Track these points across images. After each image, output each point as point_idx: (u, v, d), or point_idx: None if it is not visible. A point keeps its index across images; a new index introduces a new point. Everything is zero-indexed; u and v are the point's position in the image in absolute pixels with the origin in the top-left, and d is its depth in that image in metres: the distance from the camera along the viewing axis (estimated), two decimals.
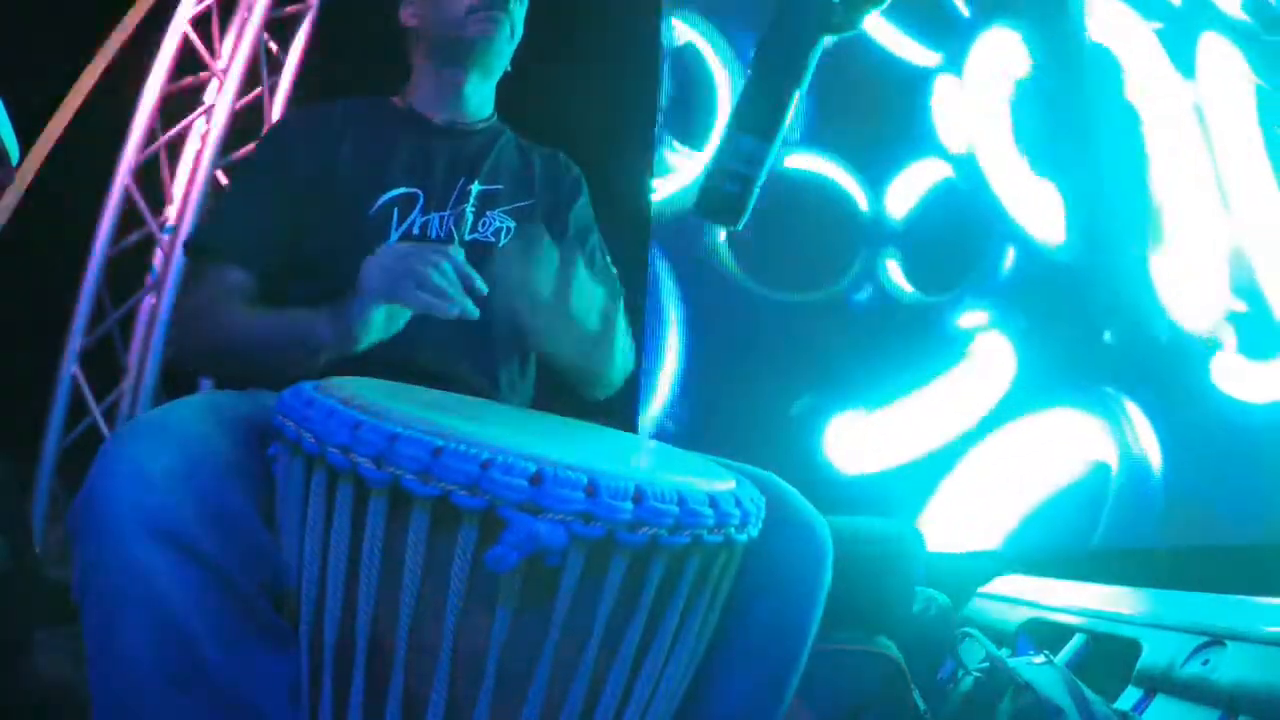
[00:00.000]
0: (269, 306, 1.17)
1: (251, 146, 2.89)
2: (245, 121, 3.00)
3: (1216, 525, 3.18)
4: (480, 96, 1.37)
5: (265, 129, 2.99)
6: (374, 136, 1.29)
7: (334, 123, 1.29)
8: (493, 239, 1.29)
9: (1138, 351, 3.25)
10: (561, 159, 1.45)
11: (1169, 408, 3.22)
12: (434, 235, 1.24)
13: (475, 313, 1.03)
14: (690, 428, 2.74)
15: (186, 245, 1.26)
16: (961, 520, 2.96)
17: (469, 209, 1.28)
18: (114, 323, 2.85)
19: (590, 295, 1.09)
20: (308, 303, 1.13)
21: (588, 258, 1.38)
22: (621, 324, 1.29)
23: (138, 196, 2.83)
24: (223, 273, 1.18)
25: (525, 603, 0.75)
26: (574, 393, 1.32)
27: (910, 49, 3.21)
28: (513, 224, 1.31)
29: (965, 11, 3.30)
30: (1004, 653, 1.79)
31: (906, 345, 3.04)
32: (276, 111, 3.09)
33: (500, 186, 1.32)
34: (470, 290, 1.03)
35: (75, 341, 2.74)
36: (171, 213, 2.89)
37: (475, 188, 1.30)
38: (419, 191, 1.25)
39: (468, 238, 1.26)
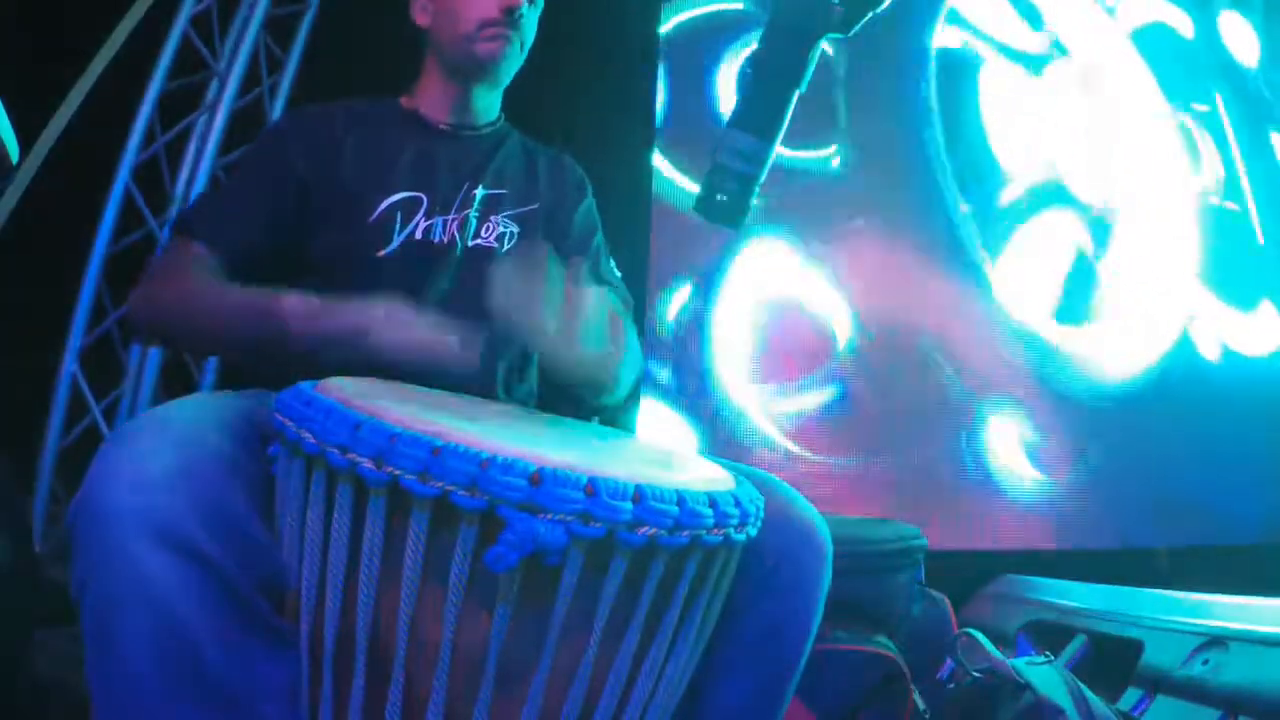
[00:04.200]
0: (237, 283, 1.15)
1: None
2: (245, 121, 3.00)
3: (1217, 525, 3.18)
4: (487, 102, 1.36)
5: (264, 127, 2.99)
6: (378, 138, 1.28)
7: (336, 123, 1.29)
8: (495, 244, 1.29)
9: None
10: (567, 161, 1.44)
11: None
12: (437, 239, 1.24)
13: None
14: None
15: (172, 222, 1.25)
16: None
17: (473, 214, 1.28)
18: (114, 323, 2.85)
19: (598, 308, 1.07)
20: None
21: (591, 261, 1.38)
22: (628, 328, 1.29)
23: (138, 196, 2.83)
24: (193, 249, 1.17)
25: (525, 602, 0.75)
26: (575, 393, 1.31)
27: None
28: (516, 229, 1.31)
29: None
30: (1004, 653, 1.79)
31: None
32: (276, 111, 3.09)
33: (504, 191, 1.32)
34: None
35: (75, 341, 2.74)
36: (172, 213, 2.89)
37: (479, 192, 1.30)
38: (422, 195, 1.25)
39: (470, 243, 1.26)
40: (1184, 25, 3.57)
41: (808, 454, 2.89)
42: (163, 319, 1.17)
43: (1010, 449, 3.06)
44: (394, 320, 1.02)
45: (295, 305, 1.04)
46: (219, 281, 1.14)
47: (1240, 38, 3.63)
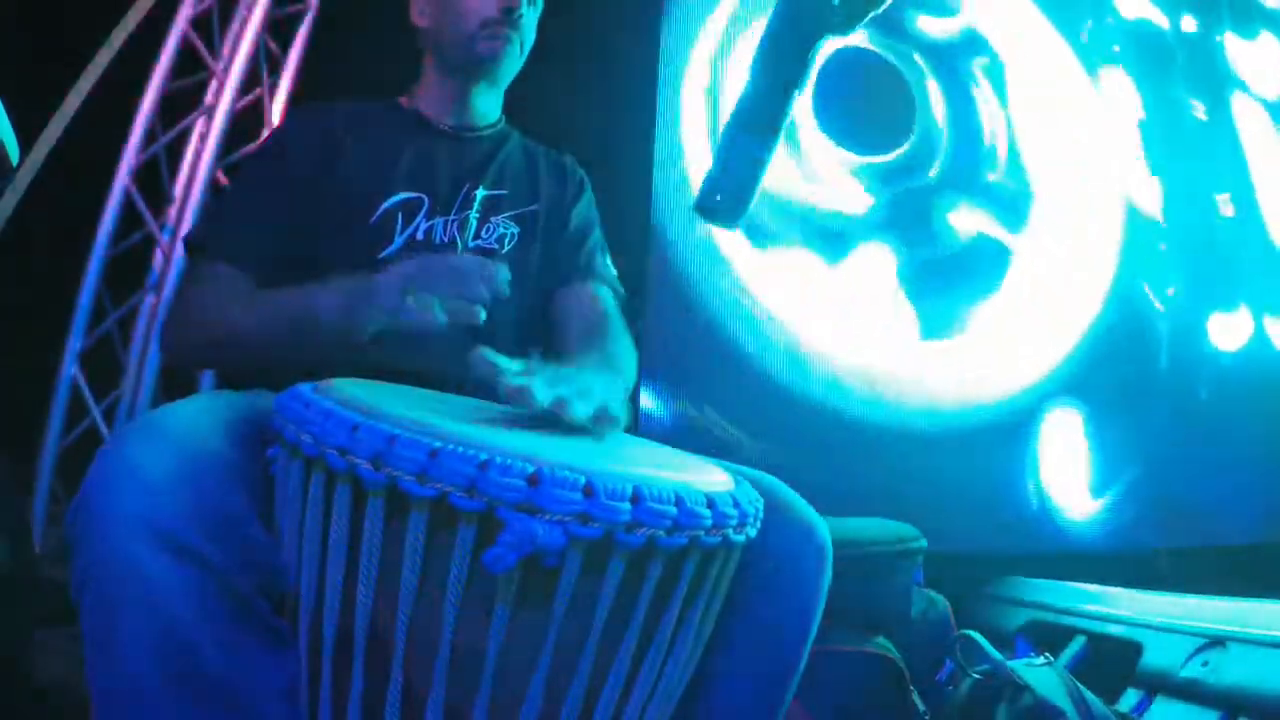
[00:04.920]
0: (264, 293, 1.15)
1: (253, 146, 2.90)
2: (245, 121, 3.00)
3: (1216, 525, 3.18)
4: (488, 103, 1.37)
5: (265, 129, 3.00)
6: (378, 140, 1.28)
7: (337, 124, 1.29)
8: (496, 245, 1.29)
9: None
10: (568, 162, 1.44)
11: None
12: (438, 241, 1.24)
13: (482, 317, 1.01)
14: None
15: (185, 241, 1.25)
16: None
17: (473, 215, 1.28)
18: (114, 323, 2.85)
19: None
20: None
21: (587, 256, 1.38)
22: (623, 327, 1.29)
23: (137, 196, 2.83)
24: (219, 270, 1.18)
25: (523, 603, 0.75)
26: None
27: None
28: (516, 230, 1.31)
29: None
30: (1003, 654, 1.79)
31: None
32: (276, 111, 3.09)
33: (505, 192, 1.32)
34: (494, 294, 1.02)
35: (75, 341, 2.74)
36: (172, 213, 2.89)
37: (480, 193, 1.30)
38: (423, 196, 1.25)
39: (471, 244, 1.26)
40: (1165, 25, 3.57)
41: None
42: (204, 349, 1.18)
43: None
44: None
45: (327, 299, 1.05)
46: (248, 294, 1.15)
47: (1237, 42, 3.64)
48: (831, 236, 2.88)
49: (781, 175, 2.79)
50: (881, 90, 3.06)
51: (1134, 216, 3.34)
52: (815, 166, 2.91)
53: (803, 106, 2.90)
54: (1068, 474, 3.09)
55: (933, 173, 3.09)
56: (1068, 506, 3.05)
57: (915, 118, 3.09)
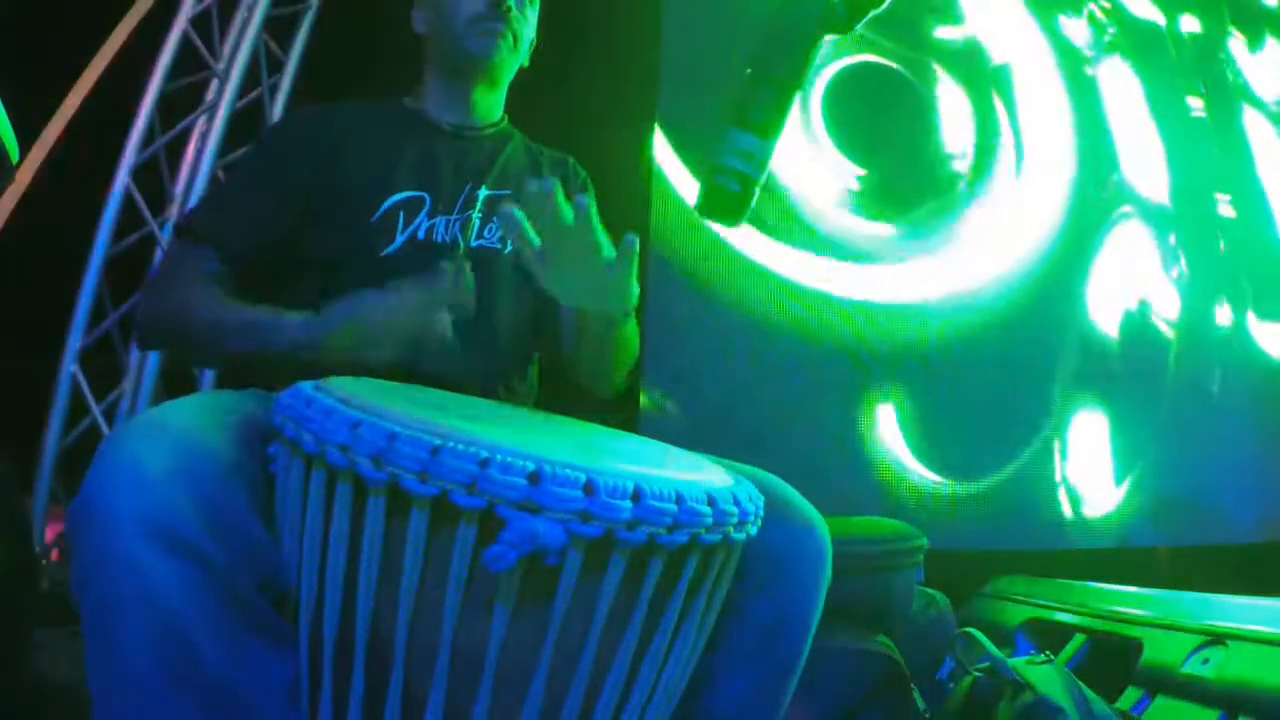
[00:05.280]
0: (242, 298, 1.17)
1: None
2: (245, 121, 3.01)
3: (1217, 525, 3.18)
4: (489, 103, 1.37)
5: (266, 128, 3.00)
6: (381, 139, 1.28)
7: (339, 123, 1.29)
8: (498, 245, 1.29)
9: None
10: (570, 163, 1.45)
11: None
12: (439, 239, 1.24)
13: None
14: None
15: (174, 226, 1.26)
16: None
17: (475, 214, 1.28)
18: (114, 323, 2.85)
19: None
20: (310, 303, 1.13)
21: None
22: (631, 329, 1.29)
23: (138, 196, 2.83)
24: (200, 255, 1.18)
25: (524, 601, 0.75)
26: (574, 393, 1.32)
27: None
28: None
29: None
30: (1004, 653, 1.79)
31: None
32: (276, 111, 3.10)
33: (508, 192, 1.32)
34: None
35: (75, 341, 2.74)
36: (172, 212, 2.89)
37: (483, 192, 1.30)
38: (425, 195, 1.25)
39: (474, 243, 1.26)
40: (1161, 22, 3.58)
41: None
42: (164, 331, 1.19)
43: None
44: (367, 339, 1.06)
45: (296, 331, 1.07)
46: (221, 296, 1.15)
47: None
48: (855, 256, 2.91)
49: (800, 189, 2.81)
50: (899, 104, 3.06)
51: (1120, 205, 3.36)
52: (834, 181, 2.93)
53: (818, 121, 2.93)
54: (1081, 472, 3.09)
55: (961, 185, 3.10)
56: (1075, 504, 3.06)
57: (934, 129, 3.10)
